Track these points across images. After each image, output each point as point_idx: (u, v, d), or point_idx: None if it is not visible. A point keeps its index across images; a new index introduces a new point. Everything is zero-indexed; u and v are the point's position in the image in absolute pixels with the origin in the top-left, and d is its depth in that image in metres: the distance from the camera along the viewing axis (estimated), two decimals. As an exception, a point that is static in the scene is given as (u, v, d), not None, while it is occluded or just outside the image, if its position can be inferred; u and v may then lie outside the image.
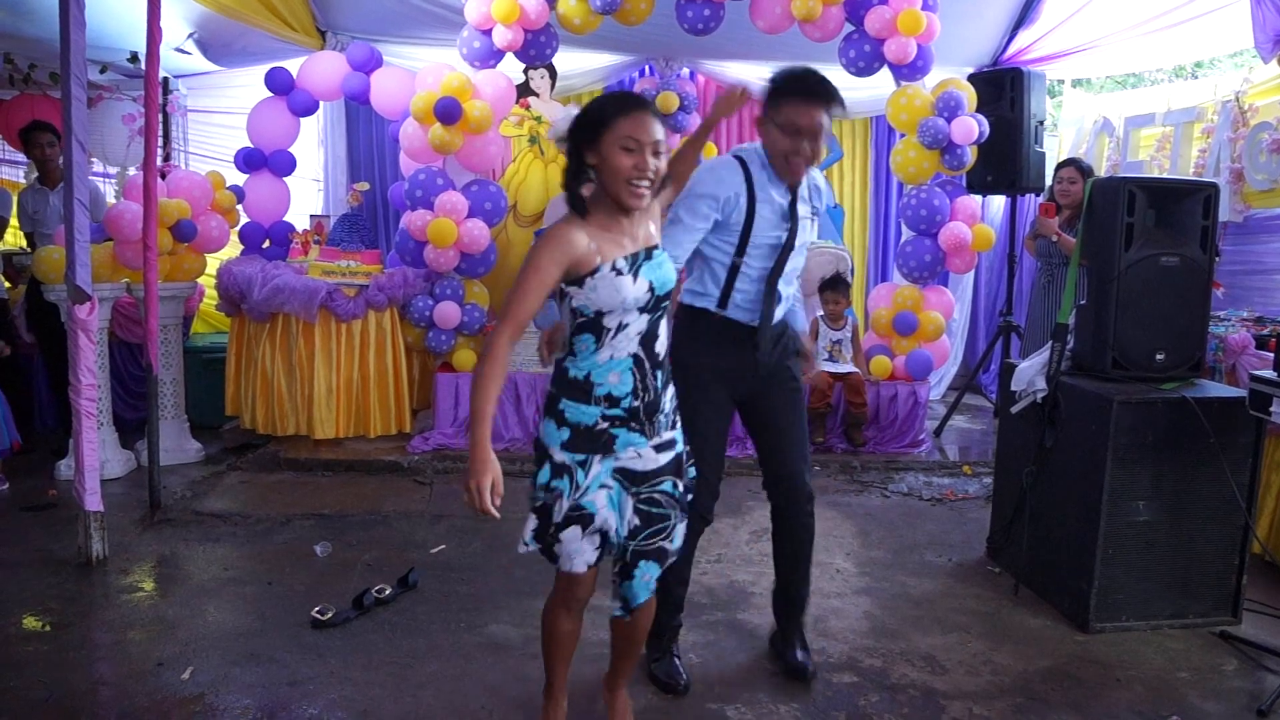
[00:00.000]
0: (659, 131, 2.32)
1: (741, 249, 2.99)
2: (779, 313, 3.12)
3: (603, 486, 2.43)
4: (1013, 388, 4.08)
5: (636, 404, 2.42)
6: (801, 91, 2.85)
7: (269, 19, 6.29)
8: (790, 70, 2.90)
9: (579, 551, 2.44)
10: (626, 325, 2.39)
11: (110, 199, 6.49)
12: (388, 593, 3.79)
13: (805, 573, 3.30)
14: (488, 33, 5.73)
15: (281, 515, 4.83)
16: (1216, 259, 3.99)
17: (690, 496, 2.63)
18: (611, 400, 2.41)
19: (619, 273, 2.34)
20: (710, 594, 3.90)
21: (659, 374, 2.47)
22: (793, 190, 3.01)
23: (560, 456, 2.42)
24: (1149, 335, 3.72)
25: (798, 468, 3.17)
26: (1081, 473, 3.67)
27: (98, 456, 4.20)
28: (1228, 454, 3.56)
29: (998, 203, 7.73)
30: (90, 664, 3.29)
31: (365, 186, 6.86)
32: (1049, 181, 6.38)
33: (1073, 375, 3.85)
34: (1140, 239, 3.69)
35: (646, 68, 7.83)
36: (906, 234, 6.37)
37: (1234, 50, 6.77)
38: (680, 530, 2.55)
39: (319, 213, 7.09)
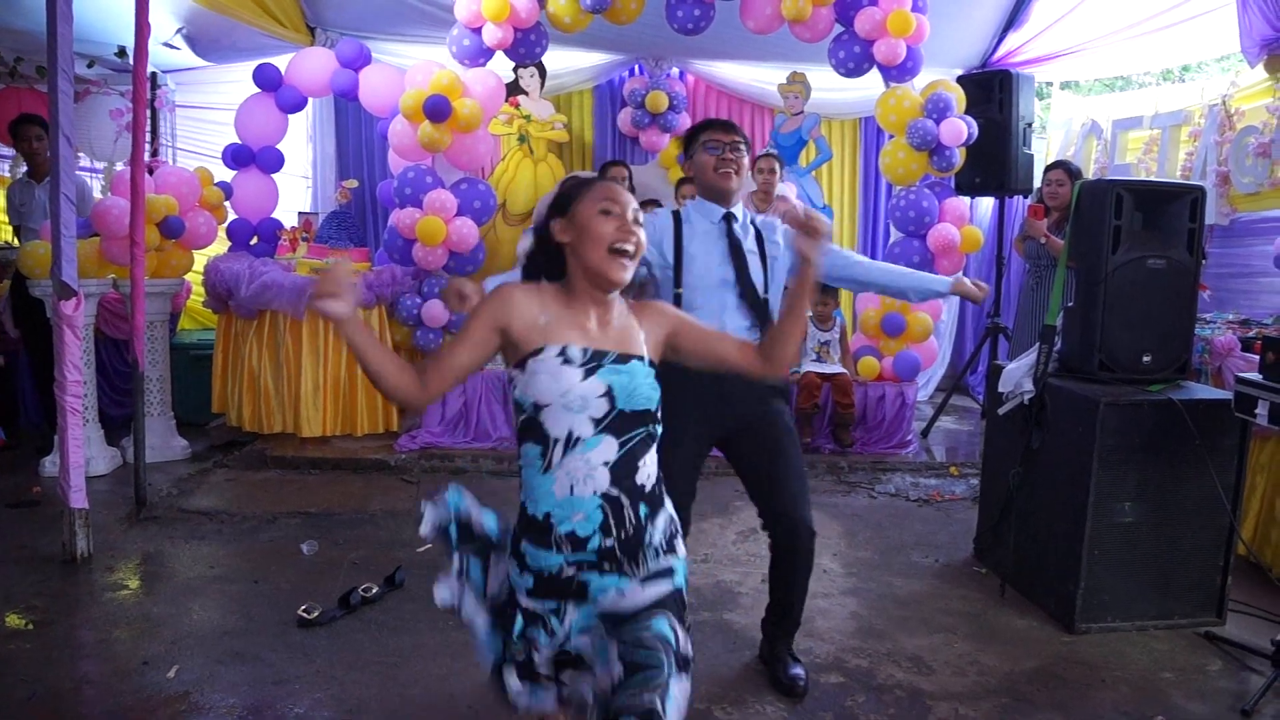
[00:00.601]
0: (635, 203, 2.04)
1: (678, 279, 3.12)
2: None
3: (584, 632, 1.98)
4: (1000, 389, 4.09)
5: (610, 544, 1.95)
6: (716, 124, 3.23)
7: (258, 15, 6.27)
8: (705, 119, 3.40)
9: (534, 695, 2.01)
10: (578, 441, 1.91)
11: (97, 194, 6.44)
12: (374, 591, 3.78)
13: (802, 599, 3.29)
14: (478, 31, 5.72)
15: (268, 513, 4.81)
16: (1203, 262, 4.01)
17: (691, 647, 2.01)
18: (576, 542, 1.94)
19: (566, 361, 1.92)
20: (697, 594, 3.90)
21: (643, 506, 1.99)
22: (726, 219, 3.15)
23: (529, 604, 1.99)
24: (1136, 337, 3.73)
25: (793, 507, 3.14)
26: (1068, 474, 3.68)
27: (83, 453, 4.18)
28: (1213, 456, 3.58)
29: (986, 204, 7.76)
30: (75, 662, 3.27)
31: (354, 184, 6.84)
32: (1037, 183, 6.41)
33: (1060, 377, 3.87)
34: (1127, 241, 3.71)
35: (636, 67, 7.83)
36: (895, 235, 6.38)
37: (1221, 54, 6.80)
38: (675, 690, 1.88)
39: (307, 210, 7.07)
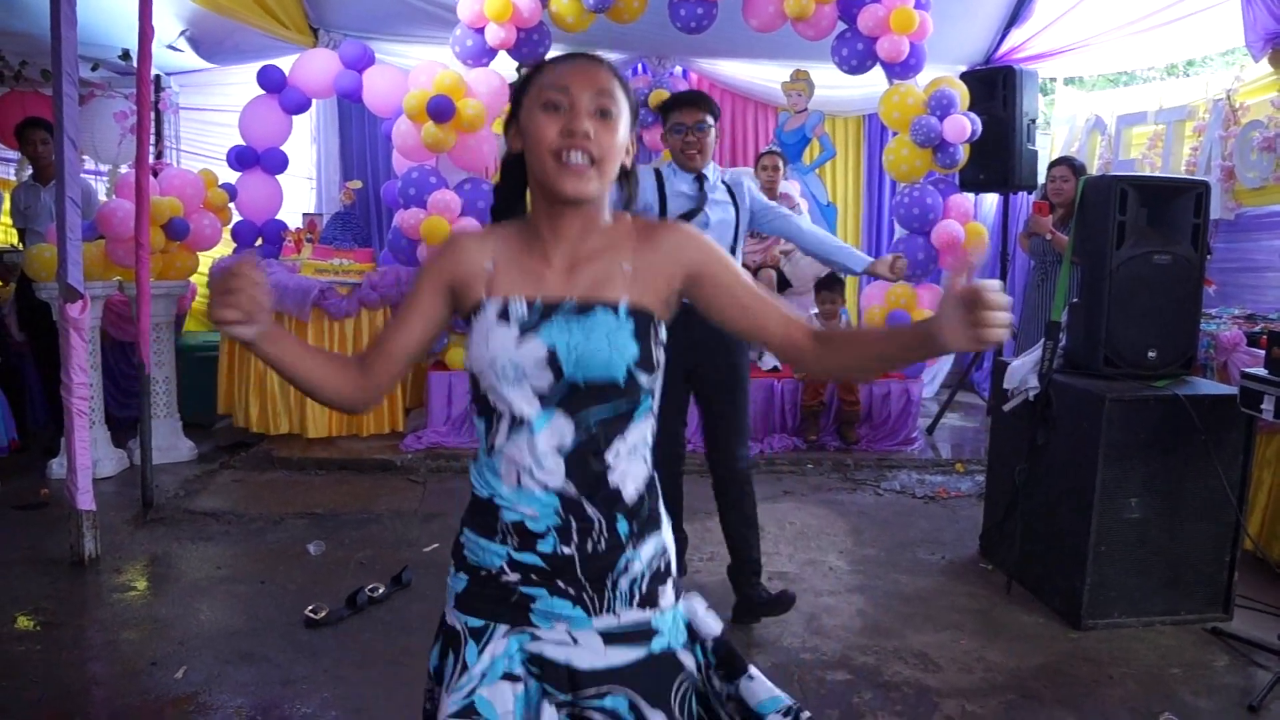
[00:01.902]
0: (605, 80, 1.47)
1: None
2: None
3: (508, 678, 1.48)
4: (1005, 385, 4.09)
5: (569, 552, 1.48)
6: (683, 99, 3.61)
7: (261, 16, 6.28)
8: (676, 92, 3.68)
9: None
10: (521, 422, 1.46)
11: (102, 197, 6.45)
12: (381, 591, 3.79)
13: (750, 537, 3.68)
14: (480, 31, 5.73)
15: (274, 514, 4.82)
16: (1208, 257, 4.00)
17: None
18: (525, 536, 1.49)
19: (502, 318, 1.47)
20: (704, 591, 3.87)
21: (622, 519, 1.51)
22: (699, 181, 3.56)
23: (450, 619, 1.55)
24: (1141, 333, 3.73)
25: (730, 444, 3.61)
26: (1074, 470, 3.68)
27: (90, 455, 4.19)
28: (1219, 451, 3.58)
29: (990, 201, 7.75)
30: (83, 663, 3.28)
31: (358, 185, 6.85)
32: (1041, 180, 6.39)
33: (1065, 373, 3.86)
34: (1132, 237, 3.71)
35: (639, 66, 7.83)
36: (899, 232, 6.38)
37: (1225, 49, 6.80)
38: None
39: (312, 211, 7.08)
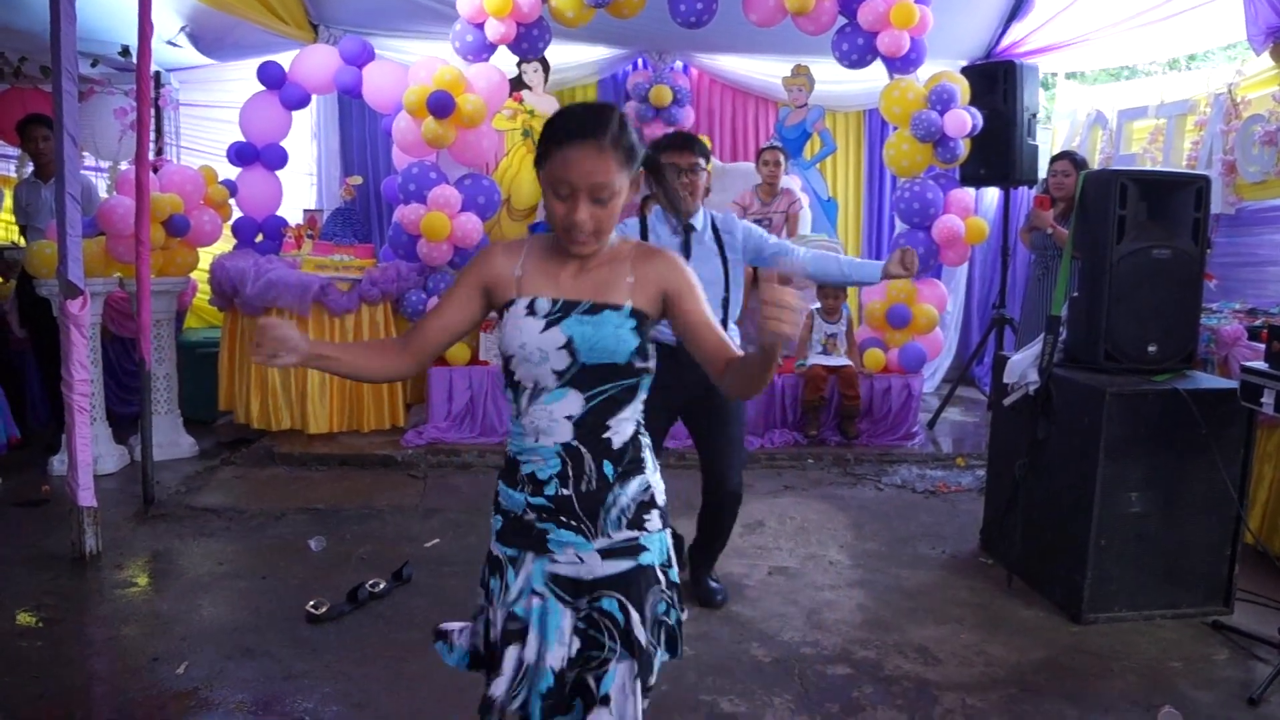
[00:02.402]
0: (605, 170, 1.79)
1: None
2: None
3: (533, 594, 1.94)
4: (1005, 380, 4.09)
5: (565, 492, 1.89)
6: (675, 143, 3.53)
7: (261, 13, 6.27)
8: (666, 134, 3.65)
9: (510, 686, 1.90)
10: (542, 392, 1.87)
11: (103, 193, 6.45)
12: (382, 587, 3.79)
13: (723, 541, 3.82)
14: (480, 26, 5.72)
15: (275, 510, 4.82)
16: (1208, 251, 4.00)
17: (651, 638, 1.93)
18: (535, 484, 1.92)
19: (531, 313, 1.87)
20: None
21: (609, 464, 1.90)
22: (686, 230, 3.50)
23: (494, 548, 2.01)
24: (1141, 327, 3.73)
25: (725, 473, 3.62)
26: (1074, 465, 3.68)
27: (91, 452, 4.19)
28: (1220, 445, 3.58)
29: (991, 195, 7.74)
30: (85, 659, 3.28)
31: (358, 180, 6.84)
32: (1042, 174, 6.38)
33: (1065, 367, 3.86)
34: (1132, 231, 3.70)
35: (639, 61, 7.82)
36: (900, 227, 6.37)
37: (1227, 43, 6.77)
38: (617, 678, 1.87)
39: (312, 207, 7.07)
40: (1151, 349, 3.74)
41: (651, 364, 1.92)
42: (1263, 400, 3.32)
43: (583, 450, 1.88)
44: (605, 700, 1.85)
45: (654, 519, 1.96)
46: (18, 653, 3.30)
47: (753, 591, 3.92)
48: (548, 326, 1.85)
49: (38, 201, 5.87)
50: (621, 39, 7.35)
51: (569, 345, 1.84)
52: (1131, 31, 6.57)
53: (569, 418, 1.87)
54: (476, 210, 5.83)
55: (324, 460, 5.66)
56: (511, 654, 1.90)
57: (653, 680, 1.92)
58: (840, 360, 6.04)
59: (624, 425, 1.92)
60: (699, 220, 3.54)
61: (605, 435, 1.89)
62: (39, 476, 5.26)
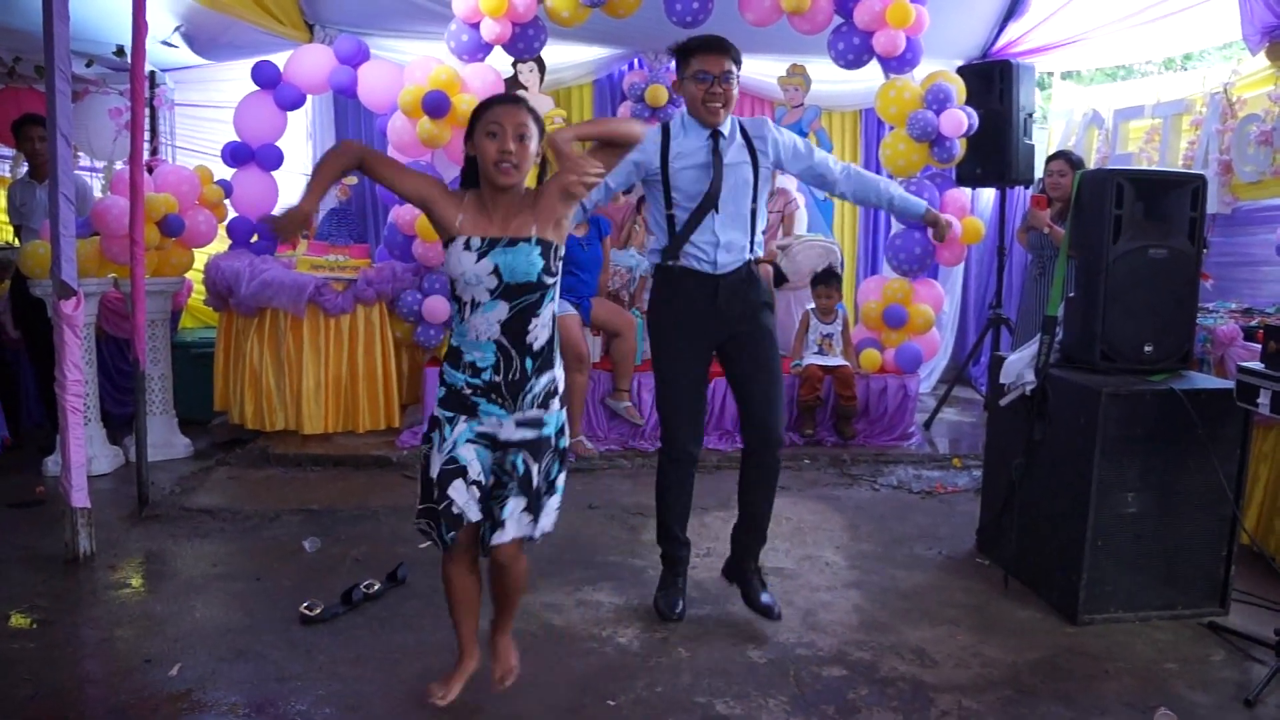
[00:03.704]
0: (522, 117, 2.58)
1: (669, 201, 3.38)
2: (731, 261, 3.41)
3: (470, 442, 2.67)
4: (1001, 380, 4.08)
5: (497, 379, 2.65)
6: (706, 45, 3.29)
7: (256, 12, 6.25)
8: (692, 36, 3.37)
9: (468, 503, 2.64)
10: (480, 304, 2.61)
11: (97, 193, 6.44)
12: (376, 588, 3.78)
13: (769, 510, 3.63)
14: (476, 26, 5.71)
15: (270, 511, 4.81)
16: (1205, 251, 3.99)
17: (546, 486, 2.74)
18: (474, 370, 2.66)
19: (467, 249, 2.60)
20: (699, 587, 3.90)
21: (529, 360, 2.66)
22: (714, 138, 3.33)
23: (436, 411, 2.72)
24: (1137, 327, 3.72)
25: (766, 414, 3.48)
26: (1070, 465, 3.67)
27: (84, 453, 4.18)
28: (1216, 445, 3.57)
29: (987, 195, 7.74)
30: (78, 661, 3.27)
31: (353, 180, 6.83)
32: (1039, 174, 6.38)
33: (1061, 367, 3.86)
34: (1129, 231, 3.70)
35: (635, 61, 7.81)
36: (896, 227, 6.37)
37: (1223, 42, 6.77)
38: (511, 505, 2.67)
39: (307, 207, 7.04)
40: (1147, 349, 3.73)
41: (558, 282, 2.69)
42: (1258, 400, 3.32)
43: (511, 350, 2.64)
44: (502, 524, 2.66)
45: (555, 403, 2.76)
46: (10, 654, 3.29)
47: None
48: (479, 258, 2.59)
49: (32, 202, 5.85)
50: (617, 39, 7.34)
51: (496, 270, 2.59)
52: (1127, 31, 6.57)
53: (499, 321, 2.62)
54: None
55: (319, 461, 5.65)
56: (457, 486, 2.64)
57: (544, 520, 2.75)
58: (836, 360, 6.03)
59: (541, 331, 2.68)
60: (726, 127, 3.36)
61: (528, 339, 2.65)
62: (33, 477, 5.24)
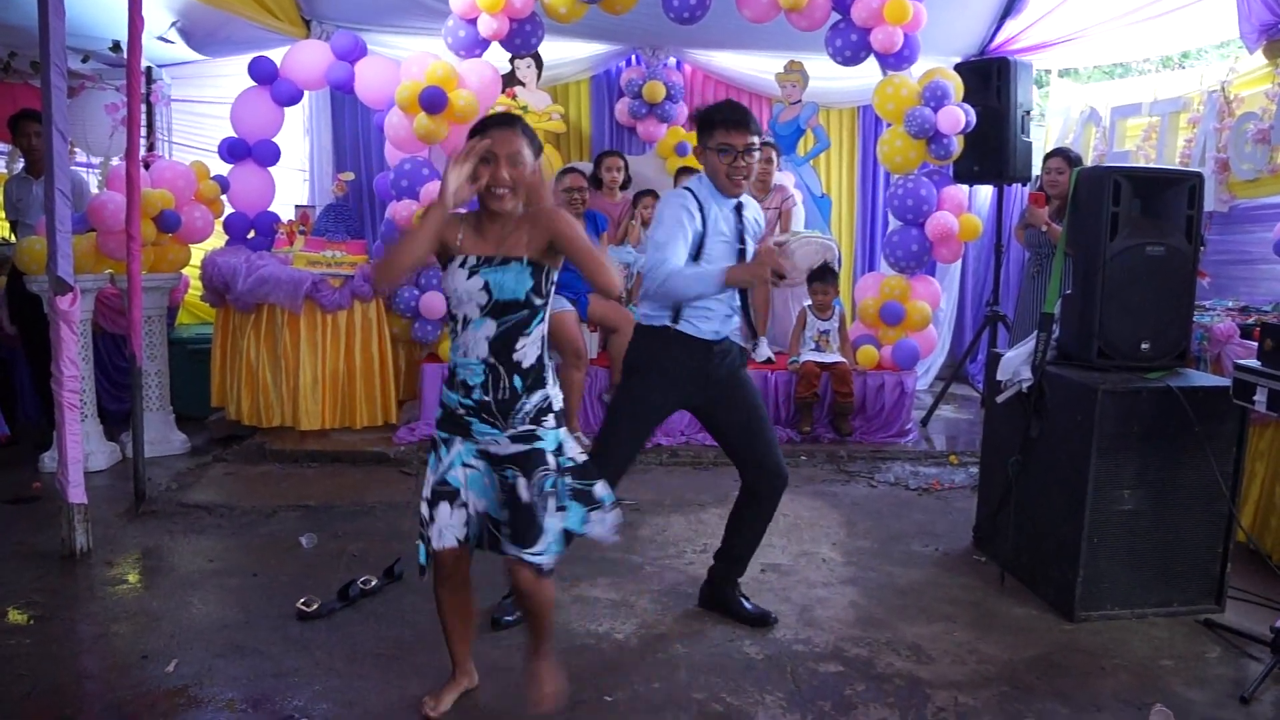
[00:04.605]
0: (516, 143, 2.63)
1: (697, 253, 3.31)
2: (730, 331, 3.46)
3: (465, 466, 2.71)
4: (998, 377, 4.09)
5: (487, 398, 2.64)
6: (729, 119, 3.28)
7: (252, 8, 6.24)
8: (715, 105, 3.41)
9: (448, 526, 2.70)
10: (470, 321, 2.63)
11: (93, 189, 6.42)
12: (373, 584, 3.78)
13: (758, 543, 3.68)
14: (473, 22, 5.70)
15: (267, 507, 4.81)
16: (1202, 249, 4.00)
17: (545, 504, 2.69)
18: (466, 389, 2.66)
19: (461, 266, 2.64)
20: (697, 584, 3.89)
21: (518, 378, 2.66)
22: (738, 211, 3.38)
23: (435, 432, 2.76)
24: (1134, 325, 3.73)
25: (770, 455, 3.52)
26: (1067, 462, 3.68)
27: (81, 449, 4.17)
28: (1212, 443, 3.58)
29: (985, 192, 7.74)
30: (74, 657, 3.27)
31: (350, 176, 6.82)
32: (1036, 171, 6.38)
33: (1058, 365, 3.86)
34: (1126, 229, 3.70)
35: (633, 57, 7.81)
36: (893, 224, 6.38)
37: (1220, 40, 6.77)
38: (504, 522, 2.70)
39: (304, 203, 7.04)
40: (1144, 346, 3.74)
41: (548, 304, 2.70)
42: (1255, 398, 3.32)
43: (500, 368, 2.64)
44: (501, 538, 2.71)
45: (550, 420, 2.72)
46: (7, 650, 3.29)
47: (745, 589, 3.90)
48: (470, 275, 2.63)
49: (28, 197, 5.84)
50: (614, 35, 7.33)
51: (486, 287, 2.62)
52: (1125, 29, 6.58)
53: (487, 338, 2.63)
54: (469, 206, 5.80)
55: (316, 457, 5.65)
56: (443, 508, 2.70)
57: (543, 536, 2.67)
58: (833, 357, 6.04)
59: (529, 349, 2.68)
60: (746, 198, 3.44)
61: (515, 357, 2.65)
62: (29, 473, 5.23)
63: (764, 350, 6.24)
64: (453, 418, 2.70)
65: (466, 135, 2.67)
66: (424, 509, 2.71)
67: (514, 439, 2.67)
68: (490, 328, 2.62)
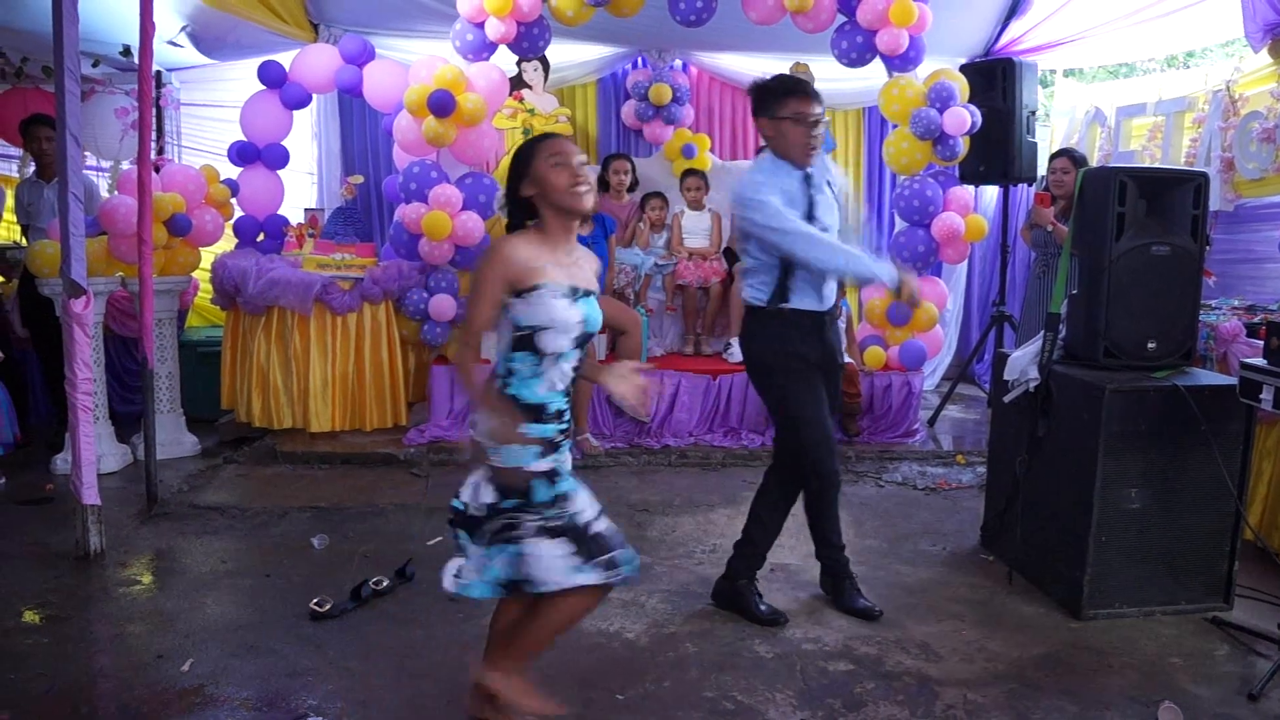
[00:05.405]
0: (576, 148, 2.61)
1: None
2: (832, 296, 3.54)
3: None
4: (1005, 377, 4.10)
5: (567, 419, 2.62)
6: (803, 89, 3.39)
7: (261, 12, 6.28)
8: (781, 76, 3.52)
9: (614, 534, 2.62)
10: (562, 354, 2.53)
11: (104, 193, 6.46)
12: (385, 584, 3.81)
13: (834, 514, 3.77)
14: (480, 25, 5.73)
15: (278, 508, 4.84)
16: (1207, 248, 4.01)
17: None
18: (560, 417, 2.58)
19: (558, 295, 2.49)
20: (706, 584, 3.91)
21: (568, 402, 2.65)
22: (805, 180, 3.42)
23: (543, 465, 2.53)
24: (1140, 324, 3.74)
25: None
26: (1074, 461, 3.69)
27: (94, 450, 4.20)
28: (1219, 441, 3.59)
29: (990, 193, 7.74)
30: (90, 656, 3.30)
31: (359, 179, 6.85)
32: (1042, 172, 6.39)
33: (1065, 364, 3.88)
34: (1131, 228, 3.72)
35: (639, 59, 7.82)
36: (899, 225, 6.38)
37: (1225, 40, 6.78)
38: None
39: (313, 206, 7.08)
40: (1151, 346, 3.75)
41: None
42: (1262, 396, 3.34)
43: (568, 394, 2.61)
44: None
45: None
46: (23, 650, 3.32)
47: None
48: (571, 305, 2.51)
49: (40, 201, 5.89)
50: (621, 38, 7.35)
51: (583, 320, 2.54)
52: (1130, 29, 6.58)
53: (574, 369, 2.59)
54: (477, 209, 5.84)
55: (326, 459, 5.68)
56: (604, 521, 2.60)
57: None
58: (841, 358, 6.04)
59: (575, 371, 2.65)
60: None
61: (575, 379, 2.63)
62: (42, 475, 5.28)
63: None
64: (551, 446, 2.54)
65: (515, 156, 2.61)
66: (564, 548, 2.49)
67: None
68: (575, 359, 2.58)
